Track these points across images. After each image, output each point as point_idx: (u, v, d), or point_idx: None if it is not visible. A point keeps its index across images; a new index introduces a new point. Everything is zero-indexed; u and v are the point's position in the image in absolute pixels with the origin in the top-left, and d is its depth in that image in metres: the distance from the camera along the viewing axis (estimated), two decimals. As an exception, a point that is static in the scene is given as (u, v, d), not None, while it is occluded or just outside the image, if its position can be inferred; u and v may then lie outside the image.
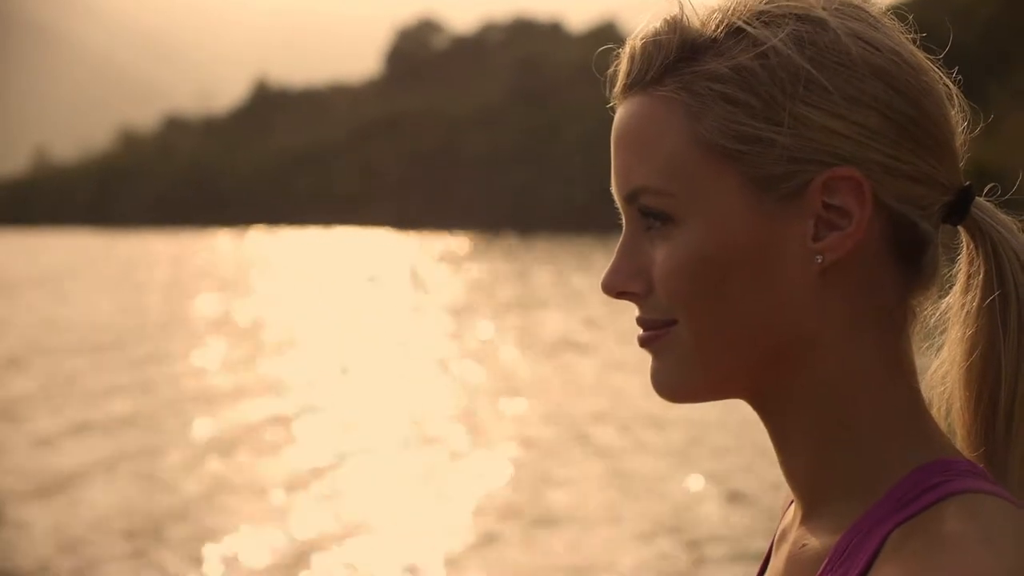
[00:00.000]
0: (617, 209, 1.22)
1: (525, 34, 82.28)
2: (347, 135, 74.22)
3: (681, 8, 1.19)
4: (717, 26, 1.18)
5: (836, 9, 1.17)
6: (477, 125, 68.60)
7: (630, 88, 1.20)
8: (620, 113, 1.21)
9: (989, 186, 1.22)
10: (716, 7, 1.19)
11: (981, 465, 1.17)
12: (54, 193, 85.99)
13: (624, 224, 1.21)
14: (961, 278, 1.21)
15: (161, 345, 20.50)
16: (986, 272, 1.19)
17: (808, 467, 1.19)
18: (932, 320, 1.22)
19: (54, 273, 38.11)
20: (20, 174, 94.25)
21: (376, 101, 79.22)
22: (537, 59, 73.45)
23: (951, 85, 1.20)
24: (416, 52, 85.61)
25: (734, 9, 1.18)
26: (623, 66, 1.21)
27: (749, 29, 1.16)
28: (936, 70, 1.19)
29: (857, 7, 1.18)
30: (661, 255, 1.17)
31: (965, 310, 1.20)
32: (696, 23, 1.19)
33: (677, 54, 1.17)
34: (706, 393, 1.20)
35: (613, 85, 1.23)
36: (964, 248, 1.21)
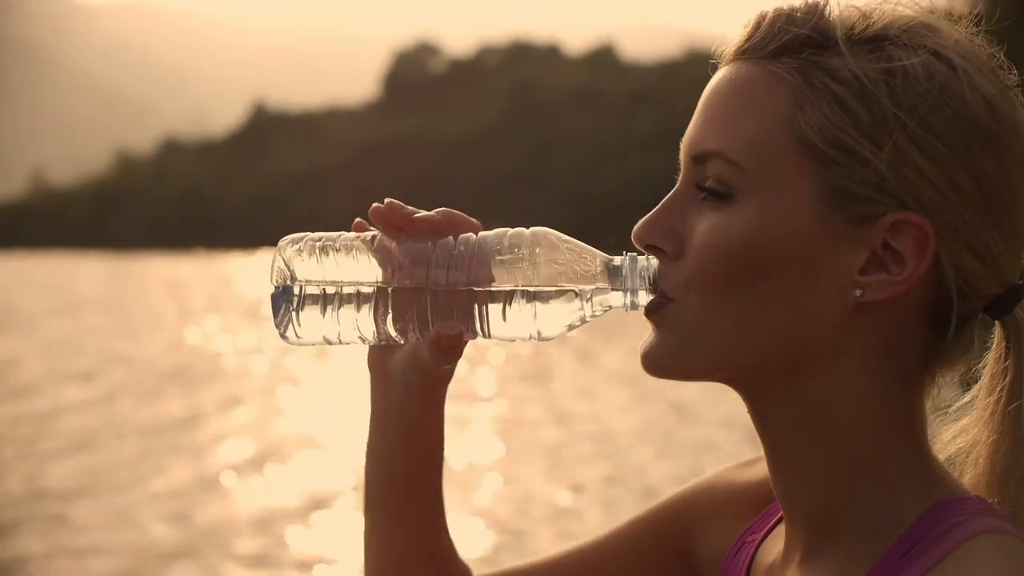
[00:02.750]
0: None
1: (522, 57, 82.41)
2: (345, 158, 74.25)
3: None
4: (855, 26, 1.13)
5: (975, 61, 1.13)
6: (474, 147, 68.68)
7: (743, 53, 1.16)
8: (723, 73, 1.17)
9: None
10: (862, 9, 1.15)
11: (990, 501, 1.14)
12: (51, 216, 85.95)
13: (679, 181, 1.17)
14: (986, 377, 1.17)
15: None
16: (1014, 377, 1.14)
17: (812, 499, 1.16)
18: (953, 408, 1.19)
19: (94, 297, 37.62)
20: (17, 197, 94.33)
21: (373, 124, 79.27)
22: (534, 82, 73.59)
23: None
24: (413, 75, 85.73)
25: (878, 18, 1.14)
26: (744, 30, 1.16)
27: (886, 44, 1.12)
28: None
29: (994, 69, 1.14)
30: (706, 224, 1.13)
31: (989, 411, 1.15)
32: (836, 15, 1.14)
33: (806, 37, 1.13)
34: (694, 374, 1.16)
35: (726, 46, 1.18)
36: (995, 345, 1.17)
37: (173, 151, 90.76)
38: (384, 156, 72.43)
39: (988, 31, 1.15)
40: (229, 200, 77.06)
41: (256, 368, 20.50)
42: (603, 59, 78.56)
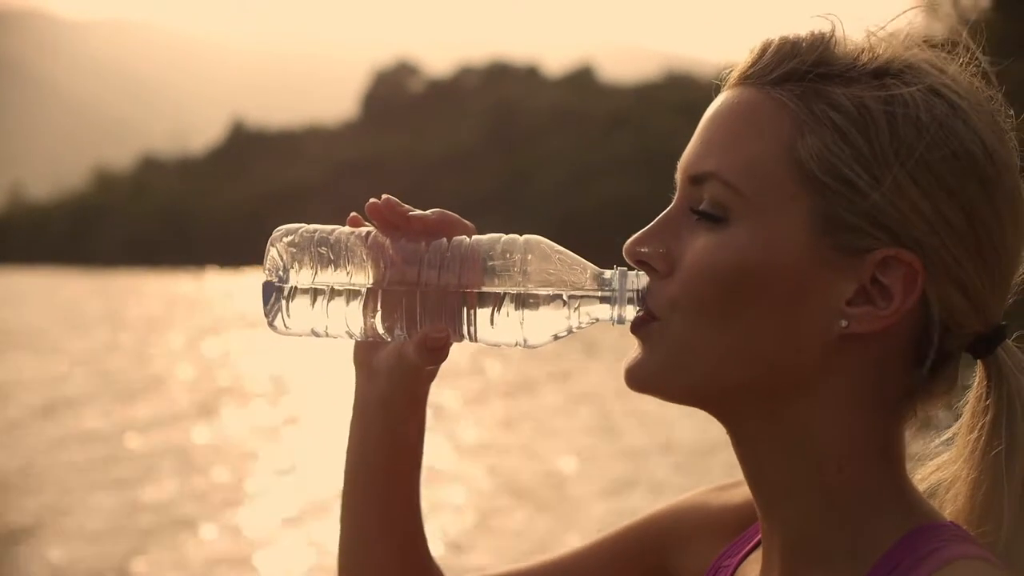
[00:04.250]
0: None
1: (501, 77, 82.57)
2: (323, 176, 74.32)
3: (833, 28, 1.16)
4: (859, 58, 1.14)
5: (973, 101, 1.14)
6: (452, 168, 68.87)
7: (747, 78, 1.16)
8: (725, 97, 1.17)
9: (1017, 334, 1.17)
10: (867, 42, 1.16)
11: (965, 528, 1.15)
12: (28, 231, 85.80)
13: (674, 200, 1.17)
14: (966, 415, 1.17)
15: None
16: (994, 417, 1.15)
17: (791, 523, 1.16)
18: (934, 444, 1.20)
19: (96, 314, 37.18)
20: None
21: (352, 143, 79.36)
22: (513, 103, 73.79)
23: None
24: (392, 94, 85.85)
25: (883, 52, 1.15)
26: (749, 56, 1.16)
27: (889, 79, 1.13)
28: None
29: (992, 111, 1.15)
30: (699, 245, 1.13)
31: (969, 449, 1.16)
32: (841, 47, 1.15)
33: (811, 66, 1.14)
34: (675, 393, 1.16)
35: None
36: (976, 384, 1.17)
37: (152, 168, 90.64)
38: (363, 175, 72.57)
39: (987, 70, 1.17)
40: (208, 217, 77.02)
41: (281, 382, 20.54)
42: (582, 80, 78.75)
